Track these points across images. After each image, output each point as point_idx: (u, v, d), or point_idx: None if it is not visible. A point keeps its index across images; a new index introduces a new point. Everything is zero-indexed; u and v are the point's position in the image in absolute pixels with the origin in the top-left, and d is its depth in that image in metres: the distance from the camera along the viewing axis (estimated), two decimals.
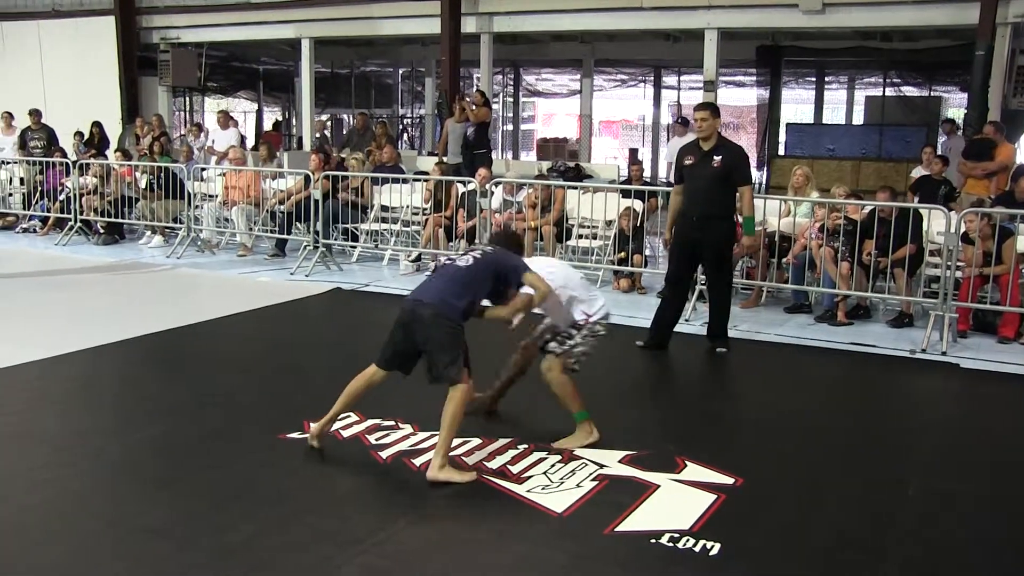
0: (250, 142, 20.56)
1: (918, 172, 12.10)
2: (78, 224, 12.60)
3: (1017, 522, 4.39)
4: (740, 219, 7.63)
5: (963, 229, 7.97)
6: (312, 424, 5.03)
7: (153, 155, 13.39)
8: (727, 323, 7.53)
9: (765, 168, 17.90)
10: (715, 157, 7.16)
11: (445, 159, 13.38)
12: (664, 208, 11.29)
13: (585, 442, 5.10)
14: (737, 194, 7.27)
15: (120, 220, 12.56)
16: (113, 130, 17.13)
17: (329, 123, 17.50)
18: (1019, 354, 7.58)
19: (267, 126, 25.65)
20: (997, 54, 12.50)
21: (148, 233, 12.55)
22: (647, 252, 10.02)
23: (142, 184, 12.58)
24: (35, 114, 15.35)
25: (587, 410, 5.17)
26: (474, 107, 13.60)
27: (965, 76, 13.57)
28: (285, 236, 11.43)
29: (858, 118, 22.68)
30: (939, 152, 13.93)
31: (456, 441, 4.86)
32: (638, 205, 10.12)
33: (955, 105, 19.54)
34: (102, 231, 12.58)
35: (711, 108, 7.33)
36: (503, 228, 5.50)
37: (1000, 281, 7.98)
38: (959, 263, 8.00)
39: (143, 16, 19.22)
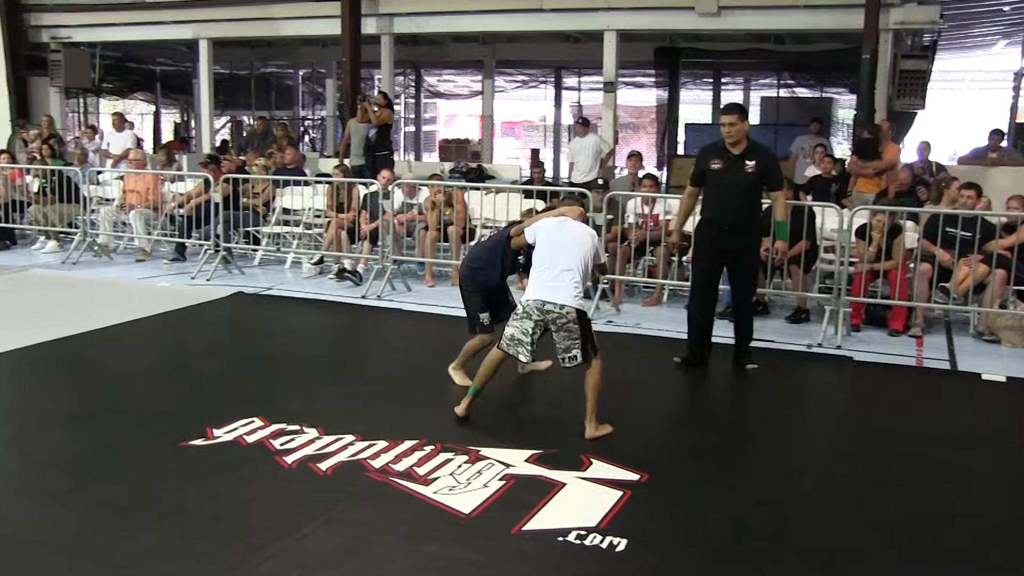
0: (148, 145, 20.08)
1: (811, 171, 12.43)
2: None
3: (907, 506, 4.55)
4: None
5: (855, 226, 8.23)
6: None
7: (43, 158, 13.00)
8: (752, 336, 7.11)
9: (665, 168, 18.19)
10: (748, 161, 6.70)
11: (346, 161, 13.28)
12: None
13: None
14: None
15: (9, 225, 12.16)
16: (4, 132, 16.61)
17: (229, 126, 17.08)
18: (907, 346, 7.88)
19: (165, 127, 25.10)
20: (881, 58, 12.96)
21: (42, 238, 12.21)
22: None
23: (34, 188, 12.24)
24: None
25: (478, 388, 5.50)
26: (376, 108, 13.53)
27: (854, 78, 13.99)
28: (185, 240, 11.20)
29: (754, 118, 23.20)
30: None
31: (362, 444, 5.03)
32: (540, 205, 10.19)
33: (845, 106, 20.12)
34: None
35: (739, 110, 6.83)
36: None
37: (889, 276, 8.28)
38: (851, 259, 8.26)
39: (31, 14, 18.54)
